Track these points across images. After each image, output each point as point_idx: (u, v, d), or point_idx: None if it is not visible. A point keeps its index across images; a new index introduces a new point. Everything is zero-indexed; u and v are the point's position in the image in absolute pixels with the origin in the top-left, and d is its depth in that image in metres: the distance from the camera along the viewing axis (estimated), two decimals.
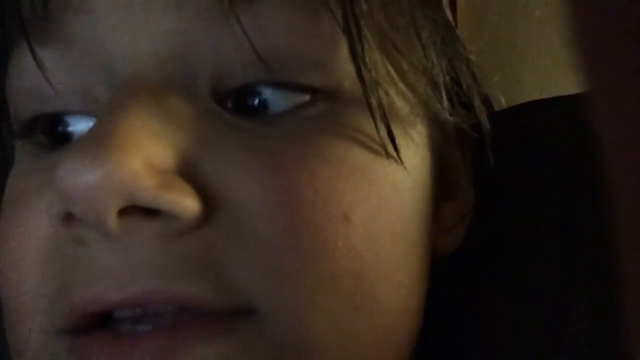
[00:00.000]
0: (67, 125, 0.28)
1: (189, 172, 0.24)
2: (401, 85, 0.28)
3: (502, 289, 0.32)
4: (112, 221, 0.23)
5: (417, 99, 0.28)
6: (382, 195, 0.26)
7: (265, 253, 0.24)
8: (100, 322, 0.25)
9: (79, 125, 0.28)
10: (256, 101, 0.26)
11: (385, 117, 0.26)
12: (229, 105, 0.26)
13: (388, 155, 0.26)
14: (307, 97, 0.26)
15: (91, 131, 0.24)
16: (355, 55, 0.26)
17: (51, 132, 0.28)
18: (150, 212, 0.24)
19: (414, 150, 0.28)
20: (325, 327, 0.25)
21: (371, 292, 0.25)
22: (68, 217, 0.24)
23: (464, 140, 0.31)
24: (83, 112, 0.27)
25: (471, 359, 0.32)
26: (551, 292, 0.31)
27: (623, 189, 0.14)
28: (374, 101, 0.26)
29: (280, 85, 0.26)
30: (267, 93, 0.26)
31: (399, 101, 0.28)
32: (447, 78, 0.29)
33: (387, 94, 0.27)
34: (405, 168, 0.27)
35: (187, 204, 0.23)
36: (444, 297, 0.30)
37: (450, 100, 0.29)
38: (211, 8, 0.25)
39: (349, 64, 0.26)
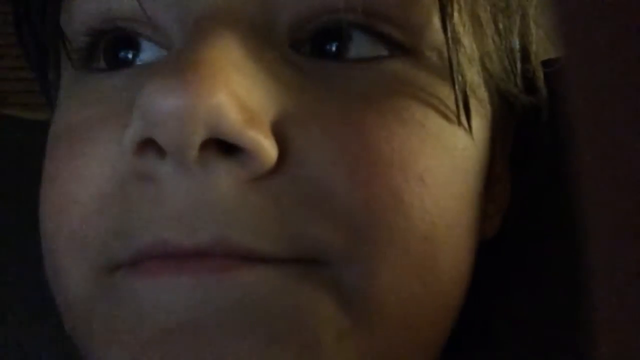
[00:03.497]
0: (133, 49, 0.27)
1: (268, 116, 0.24)
2: (479, 60, 0.28)
3: (528, 278, 0.31)
4: (194, 151, 0.22)
5: (492, 75, 0.28)
6: (455, 164, 0.26)
7: (340, 208, 0.24)
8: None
9: (147, 53, 0.27)
10: (334, 46, 0.26)
11: (465, 85, 0.26)
12: (306, 48, 0.26)
13: (460, 125, 0.26)
14: (385, 51, 0.26)
15: (177, 57, 0.24)
16: (445, 13, 0.25)
17: (113, 57, 0.27)
18: (229, 151, 0.23)
19: (481, 122, 0.28)
20: (390, 285, 0.24)
21: (435, 258, 0.25)
22: (143, 148, 0.23)
23: (509, 124, 0.31)
24: (152, 40, 0.26)
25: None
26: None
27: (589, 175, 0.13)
28: (456, 68, 0.26)
29: (364, 28, 0.25)
30: (349, 35, 0.25)
31: (476, 75, 0.28)
32: (519, 56, 0.29)
33: (468, 65, 0.27)
34: (473, 140, 0.27)
35: (267, 146, 0.23)
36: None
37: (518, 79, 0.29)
38: None
39: (434, 30, 0.26)
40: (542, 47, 0.30)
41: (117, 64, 0.27)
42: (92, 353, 0.26)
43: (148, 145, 0.23)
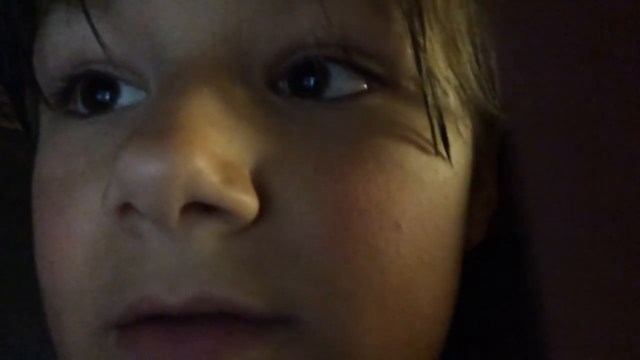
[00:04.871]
0: (111, 90, 0.27)
1: (248, 167, 0.24)
2: (456, 80, 0.27)
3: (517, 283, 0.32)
4: (175, 217, 0.22)
5: (469, 93, 0.28)
6: (433, 199, 0.26)
7: (316, 263, 0.24)
8: (150, 315, 0.24)
9: (126, 95, 0.27)
10: (312, 81, 0.25)
11: (441, 114, 0.26)
12: (284, 86, 0.25)
13: (438, 154, 0.26)
14: (363, 85, 0.25)
15: (152, 119, 0.23)
16: (417, 46, 0.25)
17: (91, 100, 0.27)
18: (210, 209, 0.23)
19: (461, 148, 0.27)
20: (369, 339, 0.25)
21: (415, 301, 0.25)
22: (124, 208, 0.23)
23: (495, 132, 0.31)
24: (130, 83, 0.26)
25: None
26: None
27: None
28: (430, 96, 0.26)
29: (340, 62, 0.25)
30: (327, 70, 0.25)
31: (453, 96, 0.27)
32: (493, 72, 0.29)
33: (443, 90, 0.27)
34: (452, 167, 0.27)
35: (248, 202, 0.23)
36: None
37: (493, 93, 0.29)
38: None
39: (409, 59, 0.25)
40: None
41: (95, 106, 0.27)
42: None
43: (129, 207, 0.23)
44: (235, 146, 0.23)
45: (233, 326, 0.23)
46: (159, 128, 0.22)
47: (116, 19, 0.25)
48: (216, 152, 0.23)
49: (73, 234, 0.25)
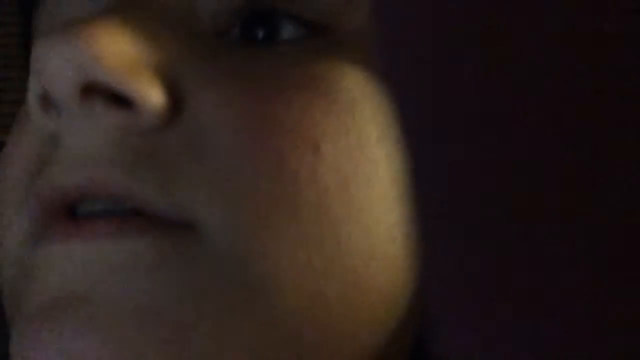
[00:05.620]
0: None
1: (163, 73, 0.24)
2: None
3: None
4: (72, 97, 0.23)
5: None
6: (363, 133, 0.25)
7: (220, 168, 0.24)
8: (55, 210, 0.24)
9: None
10: (261, 33, 0.26)
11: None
12: (232, 34, 0.26)
13: (376, 97, 0.25)
14: (306, 33, 0.26)
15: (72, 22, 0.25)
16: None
17: None
18: (116, 102, 0.24)
19: None
20: (273, 252, 0.24)
21: (335, 228, 0.24)
22: (45, 101, 0.24)
23: None
24: None
25: None
26: None
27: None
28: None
29: (292, 18, 0.25)
30: (277, 22, 0.26)
31: None
32: None
33: None
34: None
35: (151, 95, 0.23)
36: None
37: None
38: None
39: (354, 11, 0.26)
40: None
41: None
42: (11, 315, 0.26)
43: (48, 102, 0.24)
44: (147, 46, 0.24)
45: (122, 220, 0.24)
46: (72, 24, 0.24)
47: None
48: (122, 45, 0.23)
49: (18, 143, 0.27)
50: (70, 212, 0.24)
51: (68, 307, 0.23)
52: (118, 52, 0.23)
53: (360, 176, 0.24)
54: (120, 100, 0.24)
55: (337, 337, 0.25)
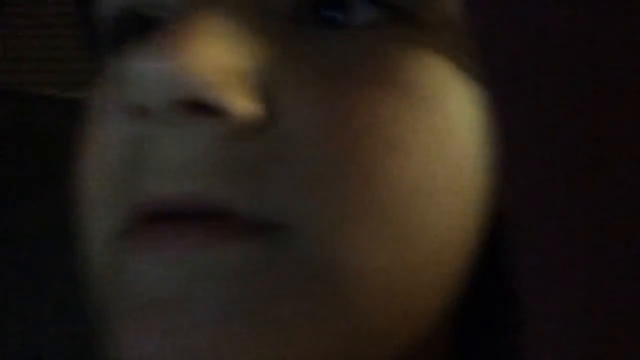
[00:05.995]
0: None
1: (255, 80, 0.25)
2: None
3: None
4: (169, 110, 0.24)
5: None
6: (445, 129, 0.26)
7: (310, 174, 0.24)
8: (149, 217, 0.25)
9: None
10: (334, 11, 0.26)
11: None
12: (305, 17, 0.26)
13: (460, 89, 0.26)
14: (387, 17, 0.26)
15: (164, 28, 0.25)
16: None
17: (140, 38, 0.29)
18: (211, 112, 0.24)
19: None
20: (358, 253, 0.24)
21: (418, 227, 0.25)
22: (141, 112, 0.25)
23: None
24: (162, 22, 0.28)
25: None
26: None
27: None
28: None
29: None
30: (351, 3, 0.26)
31: None
32: None
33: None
34: (472, 105, 0.26)
35: (247, 105, 0.24)
36: None
37: None
38: None
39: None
40: None
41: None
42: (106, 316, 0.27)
43: (138, 108, 0.25)
44: (236, 54, 0.25)
45: (223, 222, 0.24)
46: (164, 35, 0.24)
47: None
48: (213, 55, 0.24)
49: (104, 146, 0.27)
50: (160, 217, 0.25)
51: (162, 308, 0.24)
52: (215, 65, 0.24)
53: (445, 173, 0.25)
54: (215, 110, 0.24)
55: (408, 329, 0.26)
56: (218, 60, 0.24)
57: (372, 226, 0.25)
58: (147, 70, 0.24)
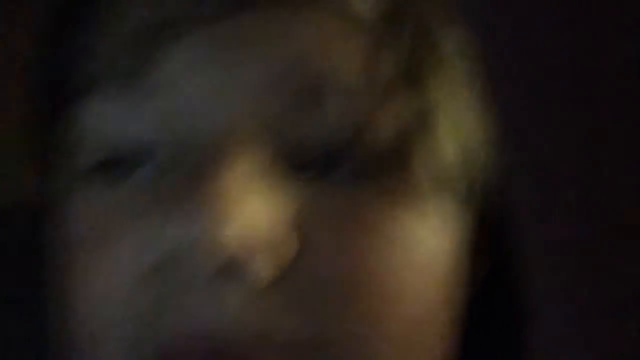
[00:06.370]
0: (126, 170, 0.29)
1: (284, 242, 0.26)
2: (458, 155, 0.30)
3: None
4: (209, 272, 0.25)
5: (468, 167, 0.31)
6: (434, 266, 0.29)
7: (344, 312, 0.27)
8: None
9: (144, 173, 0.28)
10: (337, 173, 0.28)
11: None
12: (310, 170, 0.28)
13: (435, 224, 0.29)
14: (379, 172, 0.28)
15: (197, 187, 0.26)
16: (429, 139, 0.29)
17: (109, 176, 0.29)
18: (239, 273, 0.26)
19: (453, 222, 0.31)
20: None
21: (419, 348, 0.29)
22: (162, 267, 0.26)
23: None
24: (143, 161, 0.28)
25: None
26: None
27: None
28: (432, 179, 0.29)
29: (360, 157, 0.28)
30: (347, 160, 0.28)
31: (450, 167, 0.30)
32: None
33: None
34: (453, 239, 0.30)
35: (271, 262, 0.26)
36: None
37: None
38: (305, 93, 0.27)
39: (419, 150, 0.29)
40: None
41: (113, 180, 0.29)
42: None
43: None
44: (267, 210, 0.26)
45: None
46: (202, 194, 0.25)
47: (148, 105, 0.28)
48: (252, 217, 0.25)
49: (116, 266, 0.27)
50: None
51: None
52: (257, 230, 0.25)
53: (434, 301, 0.29)
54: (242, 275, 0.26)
55: None
56: (262, 224, 0.26)
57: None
58: (190, 228, 0.25)
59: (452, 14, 0.30)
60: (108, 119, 0.28)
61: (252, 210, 0.25)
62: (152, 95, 0.27)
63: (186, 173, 0.27)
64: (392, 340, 0.28)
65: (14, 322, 0.38)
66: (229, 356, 0.26)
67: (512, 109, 0.16)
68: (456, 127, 0.30)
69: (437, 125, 0.29)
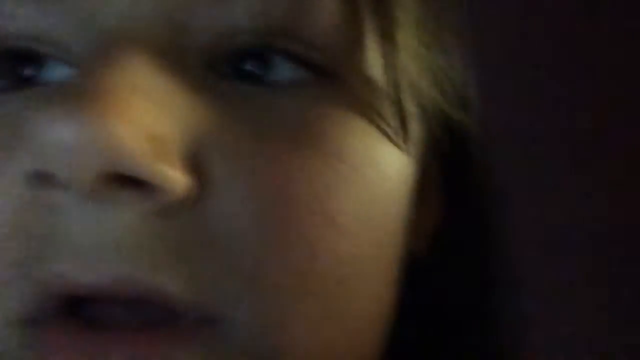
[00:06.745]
0: (33, 65, 0.24)
1: (181, 144, 0.22)
2: (413, 80, 0.27)
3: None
4: (91, 184, 0.21)
5: (424, 94, 0.27)
6: (375, 195, 0.25)
7: (247, 257, 0.22)
8: (67, 309, 0.22)
9: (52, 70, 0.24)
10: (252, 67, 0.24)
11: (403, 109, 0.26)
12: (225, 70, 0.24)
13: (387, 152, 0.25)
14: (306, 74, 0.25)
15: (77, 81, 0.22)
16: (387, 49, 0.25)
17: (11, 74, 0.25)
18: (135, 184, 0.21)
19: (410, 147, 0.27)
20: (301, 335, 0.23)
21: (350, 298, 0.24)
22: (42, 178, 0.21)
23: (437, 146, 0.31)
24: (56, 59, 0.24)
25: None
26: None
27: None
28: (398, 97, 0.25)
29: (285, 52, 0.24)
30: (267, 58, 0.24)
31: (409, 97, 0.27)
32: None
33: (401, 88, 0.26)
34: (399, 167, 0.26)
35: (177, 177, 0.21)
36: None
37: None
38: None
39: (363, 54, 0.25)
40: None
41: (17, 82, 0.25)
42: None
43: (46, 175, 0.21)
44: (166, 119, 0.22)
45: (154, 328, 0.22)
46: (80, 90, 0.21)
47: None
48: (143, 121, 0.21)
49: None
50: (76, 303, 0.22)
51: None
52: (144, 130, 0.21)
53: (371, 239, 0.25)
54: (144, 184, 0.21)
55: None
56: (147, 124, 0.21)
57: (310, 310, 0.23)
58: (61, 135, 0.20)
59: None
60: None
61: (143, 114, 0.21)
62: None
63: (76, 72, 0.23)
64: (309, 316, 0.23)
65: None
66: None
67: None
68: (421, 51, 0.27)
69: (395, 39, 0.25)
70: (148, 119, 0.21)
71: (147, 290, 0.21)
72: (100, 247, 0.21)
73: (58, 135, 0.20)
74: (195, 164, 0.22)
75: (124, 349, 0.21)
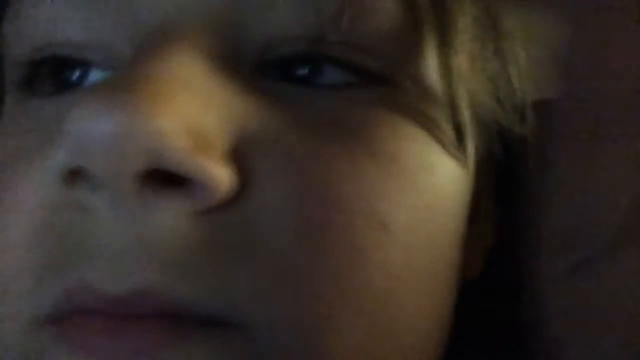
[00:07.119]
0: (80, 73, 0.24)
1: (226, 141, 0.21)
2: (471, 91, 0.26)
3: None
4: (130, 183, 0.19)
5: (482, 107, 0.26)
6: (428, 205, 0.23)
7: (282, 259, 0.21)
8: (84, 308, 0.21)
9: (95, 74, 0.24)
10: (304, 70, 0.23)
11: (461, 118, 0.25)
12: (275, 72, 0.23)
13: (441, 160, 0.24)
14: (358, 79, 0.24)
15: (119, 74, 0.21)
16: (444, 57, 0.24)
17: (58, 79, 0.24)
18: (176, 182, 0.20)
19: (467, 159, 0.26)
20: (340, 349, 0.21)
21: (399, 314, 0.22)
22: (73, 176, 0.20)
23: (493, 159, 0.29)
24: (101, 65, 0.24)
25: None
26: None
27: None
28: (457, 101, 0.24)
29: (338, 59, 0.23)
30: (318, 62, 0.23)
31: (467, 108, 0.25)
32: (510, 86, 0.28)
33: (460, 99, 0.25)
34: (456, 177, 0.25)
35: (222, 174, 0.20)
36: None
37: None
38: None
39: (409, 57, 0.24)
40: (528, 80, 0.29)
41: (63, 86, 0.24)
42: None
43: (80, 174, 0.20)
44: (212, 114, 0.20)
45: (175, 321, 0.20)
46: (121, 82, 0.19)
47: None
48: (187, 115, 0.20)
49: (18, 210, 0.22)
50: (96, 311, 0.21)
51: None
52: (185, 125, 0.19)
53: (424, 254, 0.23)
54: (185, 183, 0.20)
55: None
56: (190, 116, 0.20)
57: (348, 318, 0.21)
58: (98, 126, 0.19)
59: None
60: (41, 21, 0.24)
61: (188, 107, 0.20)
62: None
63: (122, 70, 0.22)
64: (352, 329, 0.21)
65: None
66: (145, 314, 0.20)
67: None
68: (480, 60, 0.26)
69: (454, 45, 0.24)
70: (192, 111, 0.20)
71: (175, 301, 0.20)
72: (129, 255, 0.20)
73: (95, 126, 0.19)
74: (237, 159, 0.21)
75: (149, 347, 0.20)
